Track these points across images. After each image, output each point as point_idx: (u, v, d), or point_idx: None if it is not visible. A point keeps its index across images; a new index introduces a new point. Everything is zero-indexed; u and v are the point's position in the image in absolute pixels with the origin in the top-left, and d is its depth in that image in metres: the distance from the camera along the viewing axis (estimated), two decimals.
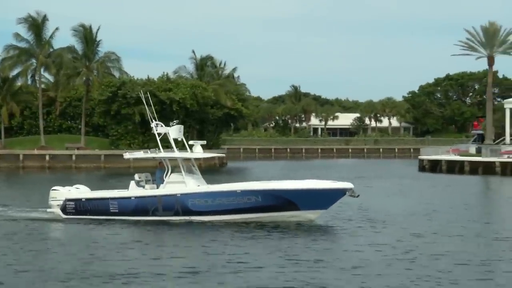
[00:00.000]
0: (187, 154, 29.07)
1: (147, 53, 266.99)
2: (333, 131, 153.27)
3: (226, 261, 19.56)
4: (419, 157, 78.75)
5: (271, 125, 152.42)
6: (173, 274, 18.00)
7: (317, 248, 21.84)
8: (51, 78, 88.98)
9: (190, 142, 29.51)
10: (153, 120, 29.26)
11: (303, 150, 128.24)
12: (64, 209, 29.36)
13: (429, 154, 77.37)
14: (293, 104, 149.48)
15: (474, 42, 77.84)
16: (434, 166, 72.71)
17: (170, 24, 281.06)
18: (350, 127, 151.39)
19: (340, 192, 27.29)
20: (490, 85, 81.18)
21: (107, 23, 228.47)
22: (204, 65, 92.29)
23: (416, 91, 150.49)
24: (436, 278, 17.28)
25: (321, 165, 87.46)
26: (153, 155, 29.01)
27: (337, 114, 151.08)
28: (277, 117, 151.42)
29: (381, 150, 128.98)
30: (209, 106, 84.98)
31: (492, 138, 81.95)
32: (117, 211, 28.53)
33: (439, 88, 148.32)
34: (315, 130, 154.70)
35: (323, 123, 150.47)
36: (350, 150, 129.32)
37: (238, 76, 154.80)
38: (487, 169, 66.51)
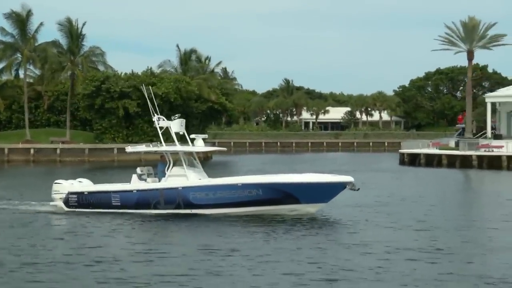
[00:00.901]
0: (188, 148, 29.31)
1: (139, 46, 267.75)
2: (325, 125, 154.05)
3: (136, 251, 20.39)
4: (399, 150, 79.47)
5: (263, 119, 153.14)
6: (83, 263, 18.86)
7: (235, 240, 22.45)
8: (37, 72, 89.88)
9: (192, 136, 29.67)
10: (155, 114, 29.48)
11: (293, 144, 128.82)
12: (67, 202, 29.71)
13: (410, 147, 78.10)
14: (284, 98, 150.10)
15: (454, 37, 78.31)
16: (413, 160, 73.40)
17: (163, 18, 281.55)
18: (341, 121, 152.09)
19: (340, 186, 27.63)
20: (469, 80, 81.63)
21: (103, 15, 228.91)
22: (188, 59, 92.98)
23: (407, 85, 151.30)
24: (330, 266, 18.03)
25: (305, 159, 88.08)
26: (155, 148, 29.32)
27: (328, 108, 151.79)
28: (268, 111, 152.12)
29: (370, 144, 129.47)
30: (193, 100, 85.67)
31: (473, 131, 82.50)
32: (119, 204, 28.84)
33: (429, 82, 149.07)
34: (307, 124, 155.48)
35: (314, 117, 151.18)
36: (340, 144, 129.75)
37: (233, 71, 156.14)
38: (464, 162, 67.11)
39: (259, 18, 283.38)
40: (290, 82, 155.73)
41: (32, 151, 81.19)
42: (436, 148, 76.02)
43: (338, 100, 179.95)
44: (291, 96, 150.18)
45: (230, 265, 18.13)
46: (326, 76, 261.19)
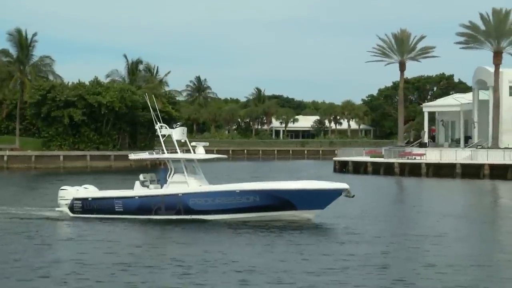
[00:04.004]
0: (190, 155, 30.13)
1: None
2: (296, 133, 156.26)
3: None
4: (333, 158, 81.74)
5: (234, 127, 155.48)
6: None
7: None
8: None
9: (193, 144, 30.48)
10: (157, 122, 30.33)
11: (260, 152, 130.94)
12: (72, 208, 30.46)
13: (344, 155, 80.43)
14: (256, 106, 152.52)
15: (386, 48, 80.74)
16: (344, 167, 75.74)
17: (159, 23, 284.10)
18: (311, 129, 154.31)
19: (336, 192, 28.50)
20: (401, 90, 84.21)
21: (93, 20, 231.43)
22: (135, 69, 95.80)
23: (375, 95, 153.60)
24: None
25: (250, 167, 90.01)
26: (157, 156, 30.59)
27: (297, 116, 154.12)
28: (239, 119, 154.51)
29: (336, 151, 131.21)
30: (140, 109, 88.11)
31: (409, 139, 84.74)
32: (122, 210, 29.66)
33: (397, 91, 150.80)
34: (277, 132, 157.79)
35: (284, 125, 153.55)
36: (306, 152, 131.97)
37: (205, 79, 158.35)
38: (388, 169, 69.28)
39: (241, 26, 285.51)
40: (262, 91, 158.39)
41: None
42: (370, 156, 78.19)
43: (319, 108, 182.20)
44: (262, 104, 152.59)
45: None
46: (312, 85, 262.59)
